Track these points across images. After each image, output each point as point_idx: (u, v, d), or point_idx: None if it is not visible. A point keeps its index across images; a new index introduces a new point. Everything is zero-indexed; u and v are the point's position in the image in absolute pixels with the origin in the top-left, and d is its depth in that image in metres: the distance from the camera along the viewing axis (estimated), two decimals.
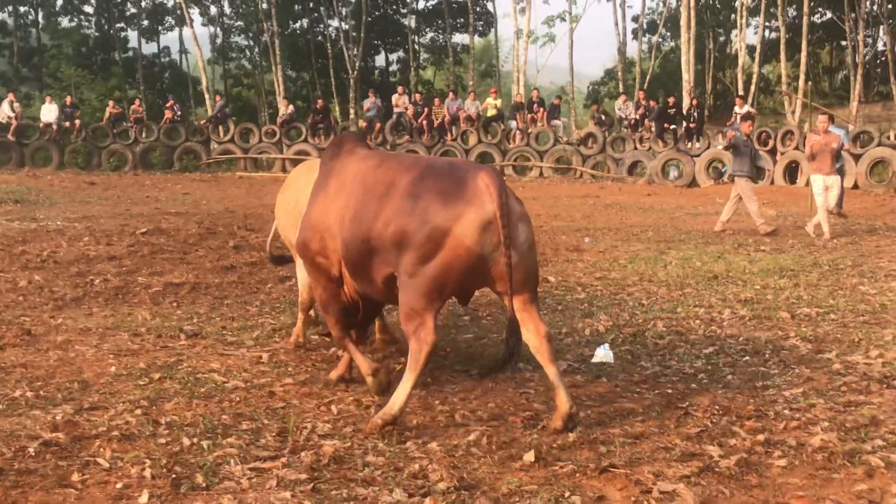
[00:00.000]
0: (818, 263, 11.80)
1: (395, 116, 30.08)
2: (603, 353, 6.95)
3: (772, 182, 24.99)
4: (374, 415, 5.28)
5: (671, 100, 28.00)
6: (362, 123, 30.29)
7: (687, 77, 29.84)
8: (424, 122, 29.49)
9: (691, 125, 26.95)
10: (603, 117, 29.56)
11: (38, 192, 21.78)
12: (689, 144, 26.92)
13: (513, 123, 29.36)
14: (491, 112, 29.48)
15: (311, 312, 7.63)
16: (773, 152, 25.32)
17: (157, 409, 5.68)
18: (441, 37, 44.44)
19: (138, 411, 5.61)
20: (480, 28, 42.40)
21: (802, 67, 33.40)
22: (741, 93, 31.90)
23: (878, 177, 24.19)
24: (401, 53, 45.72)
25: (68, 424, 5.28)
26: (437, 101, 31.09)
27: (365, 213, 5.35)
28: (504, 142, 29.06)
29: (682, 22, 30.39)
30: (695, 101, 27.93)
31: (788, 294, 9.61)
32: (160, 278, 10.33)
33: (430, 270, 5.03)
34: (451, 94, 31.25)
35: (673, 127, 27.03)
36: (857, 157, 23.81)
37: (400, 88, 31.30)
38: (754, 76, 34.71)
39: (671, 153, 26.92)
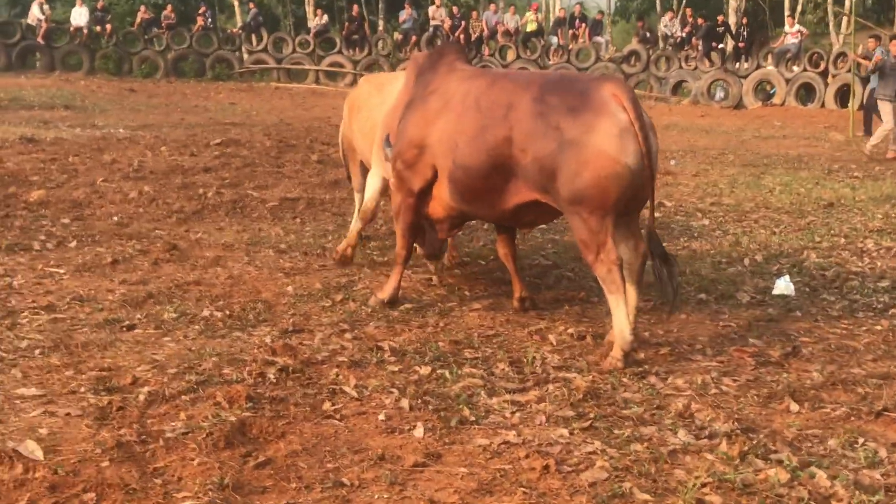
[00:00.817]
0: None
1: (431, 29, 29.38)
2: (784, 286, 6.65)
3: (822, 105, 24.49)
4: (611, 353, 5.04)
5: (720, 18, 27.37)
6: (397, 36, 29.52)
7: None
8: (462, 36, 28.77)
9: (740, 44, 26.34)
10: (648, 34, 28.93)
11: (82, 98, 21.31)
12: (737, 64, 26.32)
13: (553, 39, 28.77)
14: (531, 27, 28.87)
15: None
16: (824, 74, 24.74)
17: (366, 333, 5.39)
18: None
19: (348, 335, 5.34)
20: None
21: None
22: (787, 11, 31.12)
23: None
24: None
25: (286, 349, 5.02)
26: (474, 14, 30.29)
27: (488, 138, 5.17)
28: (544, 58, 28.36)
29: None
30: (745, 20, 27.28)
31: None
32: (271, 192, 10.01)
33: (584, 190, 4.84)
34: (491, 6, 30.50)
35: (721, 46, 26.39)
36: None
37: (437, 1, 30.48)
38: None
39: (718, 73, 26.42)
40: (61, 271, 6.63)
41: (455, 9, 29.78)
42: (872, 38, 17.57)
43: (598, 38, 29.03)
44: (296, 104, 22.96)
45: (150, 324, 5.52)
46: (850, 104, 23.54)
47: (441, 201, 5.79)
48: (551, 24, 29.80)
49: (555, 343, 5.43)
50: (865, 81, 19.41)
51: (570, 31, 28.80)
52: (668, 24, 28.69)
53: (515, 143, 5.09)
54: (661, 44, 28.59)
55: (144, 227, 8.24)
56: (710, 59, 26.61)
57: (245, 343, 5.21)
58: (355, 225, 7.24)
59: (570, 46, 28.51)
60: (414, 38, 29.10)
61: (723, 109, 25.43)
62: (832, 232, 8.86)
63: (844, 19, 31.62)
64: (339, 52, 29.50)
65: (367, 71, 27.71)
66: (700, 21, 27.81)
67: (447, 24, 28.93)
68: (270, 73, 29.84)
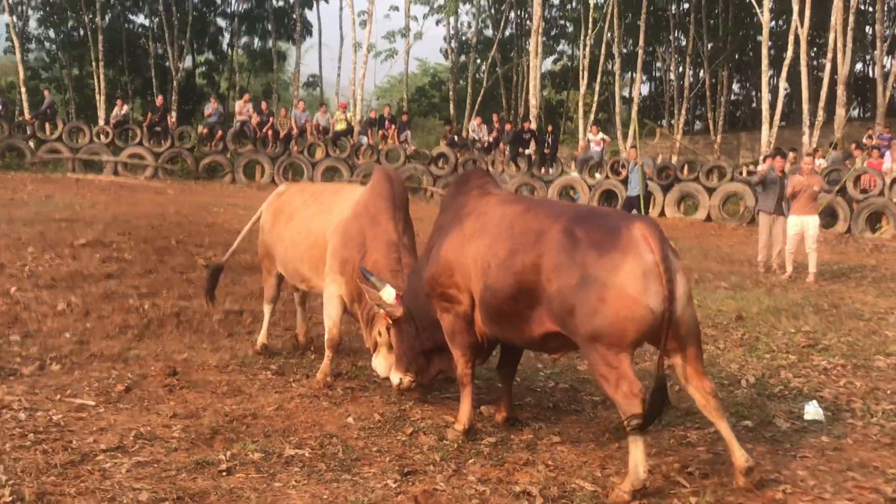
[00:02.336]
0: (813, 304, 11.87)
1: (237, 124, 28.84)
2: (814, 411, 6.64)
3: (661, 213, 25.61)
4: (619, 486, 4.97)
5: (526, 124, 28.37)
6: (202, 130, 28.79)
7: (534, 101, 30.29)
8: (269, 132, 28.41)
9: (545, 150, 27.34)
10: (455, 138, 29.56)
11: None
12: (542, 170, 27.27)
13: (364, 139, 28.81)
14: (340, 125, 28.88)
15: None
16: (626, 182, 25.91)
17: (483, 473, 5.16)
18: (257, 41, 43.21)
19: (470, 477, 5.06)
20: (295, 37, 41.46)
21: (636, 97, 34.83)
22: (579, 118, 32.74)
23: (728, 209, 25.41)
24: (209, 55, 43.95)
25: (428, 496, 4.69)
26: (283, 111, 30.03)
27: (517, 263, 5.19)
28: (353, 157, 28.40)
29: (531, 47, 30.88)
30: (549, 127, 28.42)
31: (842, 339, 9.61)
32: (200, 302, 9.34)
33: (602, 328, 4.82)
34: (299, 104, 30.37)
35: (527, 151, 27.31)
36: (710, 191, 24.85)
37: (246, 96, 30.06)
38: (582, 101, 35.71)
39: (524, 178, 27.19)
40: (90, 403, 5.94)
41: (264, 105, 29.33)
42: (809, 158, 18.10)
43: (405, 137, 29.27)
44: (115, 198, 21.74)
45: (246, 466, 5.05)
46: (649, 211, 24.97)
47: (478, 323, 5.71)
48: (361, 123, 29.70)
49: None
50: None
51: (380, 132, 28.91)
52: (476, 129, 29.39)
53: (543, 271, 5.08)
54: (469, 147, 29.15)
55: (110, 345, 7.53)
56: (517, 163, 27.38)
57: (373, 488, 4.83)
58: (326, 357, 6.97)
59: (380, 147, 28.62)
60: (220, 132, 28.40)
61: None
62: (772, 348, 9.00)
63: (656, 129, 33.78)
64: (140, 142, 28.32)
65: (170, 164, 26.94)
66: (507, 126, 28.63)
67: (255, 119, 28.46)
68: (64, 164, 28.19)
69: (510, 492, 4.87)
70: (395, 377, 6.30)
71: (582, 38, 34.87)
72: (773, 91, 28.63)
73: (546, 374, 7.48)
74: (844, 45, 27.95)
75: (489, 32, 43.96)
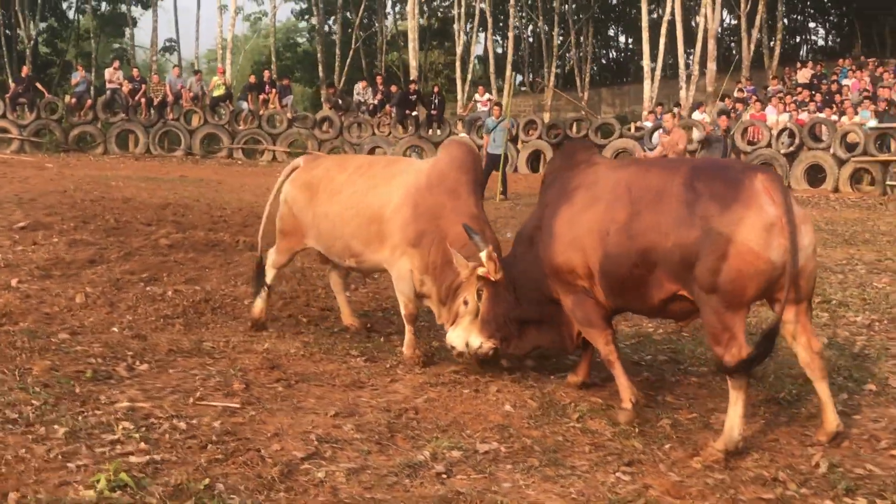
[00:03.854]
0: None
1: (108, 93, 27.50)
2: None
3: (515, 169, 25.79)
4: (713, 444, 4.96)
5: (413, 86, 28.02)
6: (70, 99, 27.26)
7: (414, 63, 29.93)
8: (143, 100, 27.17)
9: (433, 111, 27.12)
10: (339, 101, 28.95)
11: None
12: (430, 131, 27.06)
13: (244, 104, 27.90)
14: (218, 91, 27.85)
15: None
16: (514, 141, 26.08)
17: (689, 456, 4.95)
18: (105, 5, 41.11)
19: (694, 464, 4.85)
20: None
21: (510, 54, 34.86)
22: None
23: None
24: (52, 22, 41.60)
25: (676, 488, 4.50)
26: (156, 77, 28.70)
27: (637, 225, 5.11)
28: (233, 123, 27.49)
29: (409, 8, 30.44)
30: (436, 88, 28.18)
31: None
32: (215, 286, 9.05)
33: (722, 283, 4.78)
34: (174, 69, 29.10)
35: (414, 113, 27.01)
36: (600, 148, 25.13)
37: (115, 63, 28.58)
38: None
39: (413, 139, 26.95)
40: (234, 405, 5.45)
41: (136, 71, 27.99)
42: (669, 114, 18.33)
43: (287, 102, 28.49)
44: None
45: (457, 466, 4.72)
46: (539, 169, 25.17)
47: (599, 296, 5.58)
48: (241, 88, 28.71)
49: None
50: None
51: (260, 96, 28.02)
52: (361, 92, 28.86)
53: (662, 227, 4.99)
54: (354, 110, 28.61)
55: (170, 339, 6.99)
56: (404, 125, 27.06)
57: (612, 484, 4.59)
58: (408, 331, 6.78)
59: (261, 112, 27.78)
60: (89, 101, 26.98)
61: None
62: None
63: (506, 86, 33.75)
64: (4, 115, 26.60)
65: (36, 137, 25.51)
66: (393, 88, 28.21)
67: (126, 87, 27.15)
68: None
69: (752, 478, 4.65)
70: (476, 340, 6.10)
71: None
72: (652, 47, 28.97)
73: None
74: (713, 0, 28.63)
75: None
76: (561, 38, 39.06)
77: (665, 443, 5.09)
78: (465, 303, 6.23)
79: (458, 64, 33.37)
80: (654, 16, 30.94)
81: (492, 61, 35.54)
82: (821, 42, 50.58)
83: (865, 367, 6.59)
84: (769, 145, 23.69)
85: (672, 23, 28.08)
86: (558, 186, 5.82)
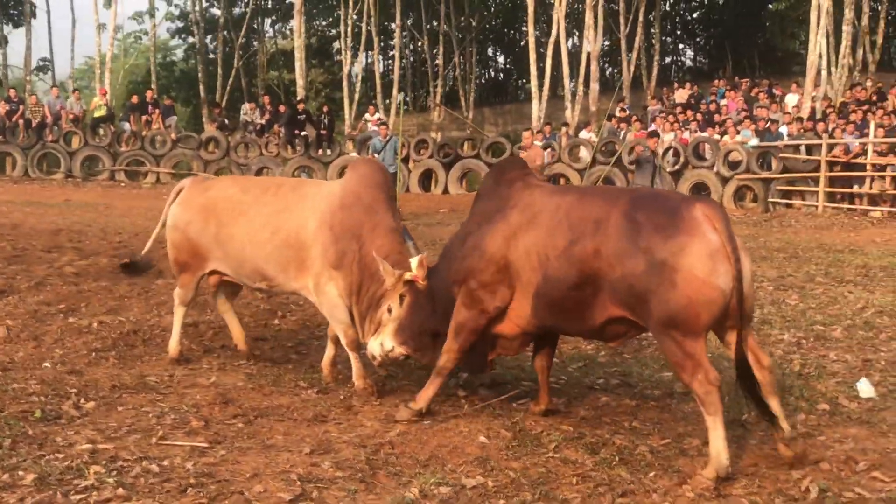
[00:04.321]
0: None
1: None
2: (867, 389, 6.75)
3: (407, 189, 25.79)
4: (702, 472, 5.00)
5: (301, 105, 27.71)
6: None
7: (301, 82, 29.66)
8: (21, 121, 26.24)
9: (322, 131, 26.91)
10: (226, 121, 28.48)
11: None
12: (320, 151, 26.84)
13: (126, 125, 27.18)
14: (100, 112, 27.05)
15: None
16: (406, 160, 26.06)
17: (676, 483, 4.99)
18: None
19: (689, 494, 4.89)
20: (16, 18, 38.38)
21: (397, 72, 34.83)
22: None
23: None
24: None
25: None
26: (34, 98, 27.72)
27: (577, 251, 5.19)
28: (115, 145, 26.77)
29: (295, 26, 30.16)
30: (325, 108, 27.97)
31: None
32: (134, 316, 8.66)
33: (676, 314, 4.86)
34: (53, 90, 28.16)
35: (304, 133, 26.75)
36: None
37: None
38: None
39: (302, 160, 26.66)
40: (203, 444, 5.28)
41: (13, 91, 26.96)
42: (528, 132, 18.85)
43: (171, 122, 27.88)
44: None
45: (455, 500, 4.67)
46: (431, 188, 25.25)
47: (517, 318, 5.63)
48: (123, 109, 27.96)
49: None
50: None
51: (143, 117, 27.34)
52: (249, 112, 28.43)
53: (604, 258, 5.06)
54: (241, 130, 28.18)
55: (108, 374, 6.82)
56: (293, 146, 26.77)
57: None
58: (354, 360, 6.64)
59: (144, 133, 27.12)
60: None
61: None
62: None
63: (438, 108, 33.82)
64: None
65: None
66: (281, 108, 27.88)
67: (2, 108, 26.18)
68: None
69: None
70: (388, 343, 6.09)
71: (343, 16, 34.37)
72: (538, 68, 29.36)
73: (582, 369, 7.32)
74: (595, 23, 29.22)
75: (216, 11, 42.49)
76: (441, 58, 39.27)
77: (649, 471, 5.07)
78: (389, 310, 6.17)
79: (345, 84, 33.13)
80: (538, 34, 31.21)
81: (378, 80, 35.47)
82: (689, 63, 52.08)
83: (811, 386, 6.74)
84: None
85: (557, 44, 28.48)
86: (491, 204, 5.80)
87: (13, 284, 9.83)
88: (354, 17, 34.04)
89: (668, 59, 47.10)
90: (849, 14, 25.82)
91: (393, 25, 36.61)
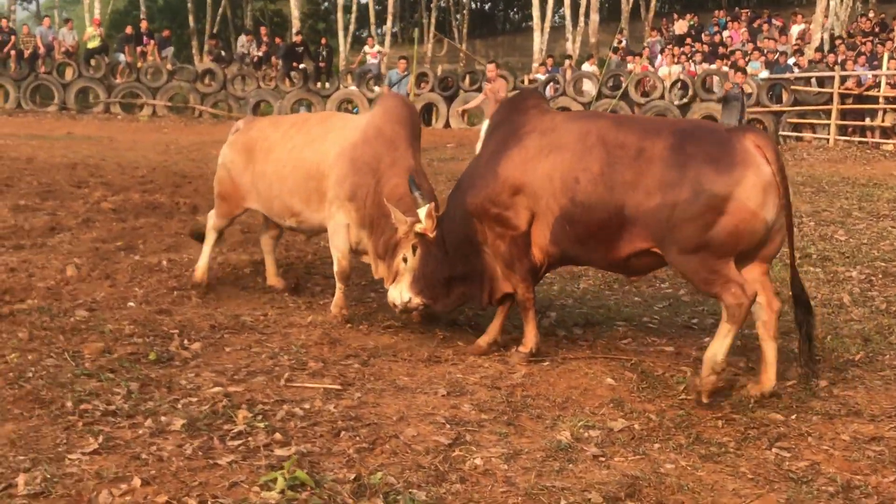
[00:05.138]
0: None
1: None
2: None
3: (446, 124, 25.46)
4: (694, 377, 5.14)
5: (298, 38, 27.24)
6: None
7: (296, 13, 29.14)
8: (13, 53, 25.66)
9: (321, 64, 26.50)
10: (222, 52, 27.96)
11: None
12: (319, 84, 26.45)
13: (121, 56, 26.63)
14: (93, 43, 26.52)
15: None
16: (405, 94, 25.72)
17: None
18: None
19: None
20: None
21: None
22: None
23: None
24: None
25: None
26: (25, 28, 27.08)
27: (615, 179, 5.08)
28: (109, 77, 26.25)
29: None
30: (324, 40, 27.52)
31: None
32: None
33: (715, 239, 4.87)
34: (45, 20, 27.51)
35: (302, 66, 26.32)
36: None
37: None
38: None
39: (300, 93, 26.27)
40: (334, 386, 5.13)
41: (4, 22, 26.30)
42: (492, 64, 18.81)
43: (167, 53, 27.35)
44: None
45: (611, 444, 4.58)
46: (433, 123, 25.01)
47: (538, 246, 5.54)
48: (117, 40, 27.36)
49: None
50: None
51: (138, 48, 26.79)
52: (245, 44, 27.92)
53: (644, 187, 4.99)
54: (237, 62, 27.69)
55: (192, 312, 6.69)
56: (291, 78, 26.36)
57: (779, 461, 4.45)
58: (338, 290, 6.66)
59: (139, 64, 26.59)
60: None
61: None
62: None
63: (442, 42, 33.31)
64: None
65: None
66: (278, 40, 27.40)
67: None
68: None
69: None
70: (406, 295, 5.99)
71: None
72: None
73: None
74: None
75: None
76: None
77: (790, 413, 5.00)
78: (405, 260, 6.08)
79: (339, 15, 32.56)
80: None
81: (372, 12, 34.88)
82: None
83: None
84: (662, 97, 23.98)
85: None
86: (505, 131, 5.69)
87: (60, 221, 9.61)
88: None
89: None
90: None
91: None
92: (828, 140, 21.19)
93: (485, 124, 15.72)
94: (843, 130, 21.63)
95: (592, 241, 5.23)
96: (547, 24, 27.96)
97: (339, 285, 6.60)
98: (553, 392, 5.17)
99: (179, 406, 4.69)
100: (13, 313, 6.27)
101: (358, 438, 4.37)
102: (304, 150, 6.72)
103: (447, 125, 25.44)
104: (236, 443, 4.25)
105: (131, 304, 6.77)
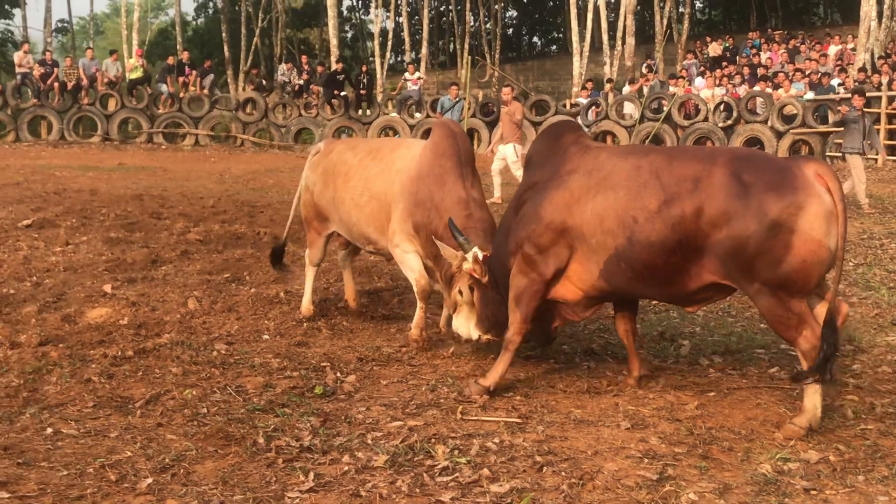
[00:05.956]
0: None
1: (19, 77, 26.00)
2: None
3: None
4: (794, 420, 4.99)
5: (339, 65, 27.37)
6: None
7: (335, 42, 29.25)
8: (56, 84, 25.81)
9: (362, 91, 26.59)
10: (263, 81, 28.09)
11: None
12: (360, 112, 26.53)
13: (163, 87, 26.77)
14: (136, 74, 26.65)
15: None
16: None
17: None
18: None
19: None
20: None
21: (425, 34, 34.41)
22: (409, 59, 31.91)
23: None
24: None
25: None
26: (68, 60, 27.27)
27: (674, 212, 4.94)
28: (152, 107, 26.39)
29: None
30: (364, 68, 27.61)
31: None
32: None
33: (789, 275, 4.76)
34: (87, 52, 27.68)
35: (343, 93, 26.41)
36: (535, 125, 25.01)
37: (25, 46, 27.01)
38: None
39: (342, 120, 26.37)
40: (514, 419, 5.07)
41: (48, 55, 26.48)
42: (508, 87, 19.01)
43: (209, 81, 27.47)
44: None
45: (814, 477, 4.49)
46: (475, 148, 24.94)
47: (580, 282, 5.41)
48: (159, 71, 27.52)
49: None
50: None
51: (181, 79, 26.94)
52: (286, 73, 28.04)
53: (708, 219, 4.87)
54: (278, 91, 27.80)
55: (329, 344, 6.70)
56: (332, 106, 26.45)
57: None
58: (419, 309, 6.61)
59: (181, 95, 26.73)
60: None
61: None
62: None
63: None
64: None
65: None
66: (319, 68, 27.52)
67: (38, 71, 25.71)
68: None
69: None
70: (475, 333, 6.04)
71: None
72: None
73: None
74: None
75: None
76: (469, 13, 38.86)
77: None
78: (461, 293, 6.10)
79: (375, 43, 32.68)
80: None
81: (407, 38, 34.97)
82: (697, 15, 51.53)
83: None
84: (706, 119, 23.94)
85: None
86: (547, 171, 5.57)
87: (158, 253, 9.61)
88: None
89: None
90: None
91: None
92: (876, 160, 21.06)
93: (507, 147, 15.75)
94: (891, 151, 21.50)
95: (653, 277, 5.12)
96: (586, 48, 27.90)
97: (419, 305, 6.55)
98: (732, 423, 5.11)
99: (370, 441, 4.66)
100: (157, 348, 6.25)
101: (563, 474, 4.32)
102: (376, 180, 6.76)
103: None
104: (446, 479, 4.22)
105: (266, 336, 6.75)
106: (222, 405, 5.16)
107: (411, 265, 6.59)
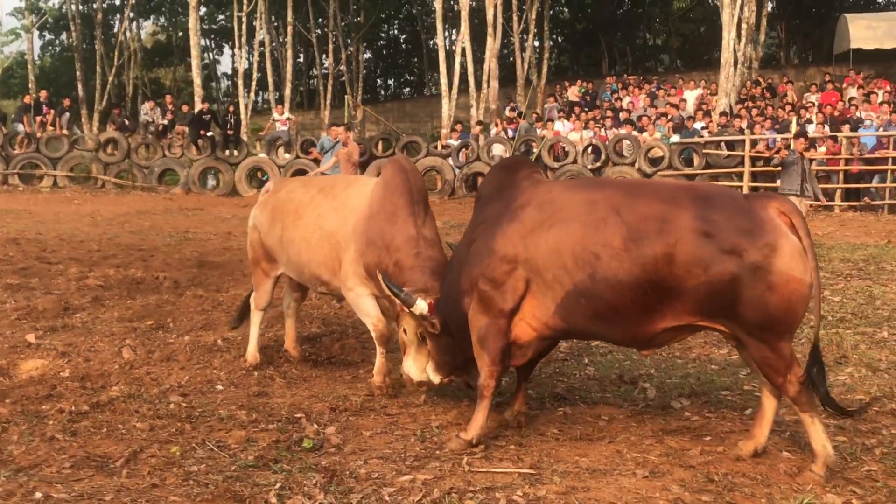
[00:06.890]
0: None
1: None
2: None
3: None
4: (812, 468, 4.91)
5: (205, 105, 26.75)
6: None
7: (198, 81, 28.64)
8: None
9: (229, 132, 26.07)
10: (126, 121, 27.17)
11: None
12: (227, 152, 26.00)
13: (20, 126, 25.60)
14: None
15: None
16: (318, 161, 25.41)
17: None
18: None
19: None
20: None
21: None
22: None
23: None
24: None
25: None
26: None
27: (644, 253, 4.79)
28: (7, 147, 25.24)
29: (191, 24, 29.04)
30: (231, 108, 27.07)
31: None
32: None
33: (775, 316, 4.68)
34: None
35: (210, 134, 25.82)
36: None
37: None
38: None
39: (208, 161, 25.75)
40: (526, 471, 4.91)
41: None
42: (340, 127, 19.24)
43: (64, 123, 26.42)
44: None
45: None
46: None
47: (532, 319, 5.20)
48: (15, 110, 26.33)
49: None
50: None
51: (38, 118, 25.83)
52: (149, 112, 27.23)
53: (679, 263, 4.72)
54: (141, 131, 26.96)
55: (302, 395, 6.38)
56: (198, 146, 25.82)
57: None
58: (379, 355, 6.40)
59: (39, 134, 25.65)
60: None
61: (218, 197, 24.79)
62: None
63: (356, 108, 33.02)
64: None
65: None
66: (184, 108, 26.87)
67: None
68: None
69: None
70: (435, 378, 5.81)
71: (234, 9, 33.34)
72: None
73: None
74: (495, 23, 29.22)
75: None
76: (331, 56, 38.71)
77: None
78: (405, 331, 5.89)
79: (240, 82, 32.09)
80: (437, 42, 31.00)
81: (270, 79, 34.48)
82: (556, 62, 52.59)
83: None
84: (575, 161, 24.32)
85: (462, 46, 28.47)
86: (497, 204, 5.42)
87: (68, 300, 9.07)
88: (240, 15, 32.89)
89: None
90: (747, 12, 26.71)
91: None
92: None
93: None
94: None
95: (617, 316, 4.91)
96: (454, 91, 28.07)
97: (379, 350, 6.33)
98: (744, 468, 4.99)
99: (387, 497, 4.41)
100: (111, 401, 5.85)
101: None
102: (328, 217, 6.53)
103: None
104: None
105: (220, 386, 6.43)
106: (210, 462, 4.83)
107: (367, 310, 6.35)
